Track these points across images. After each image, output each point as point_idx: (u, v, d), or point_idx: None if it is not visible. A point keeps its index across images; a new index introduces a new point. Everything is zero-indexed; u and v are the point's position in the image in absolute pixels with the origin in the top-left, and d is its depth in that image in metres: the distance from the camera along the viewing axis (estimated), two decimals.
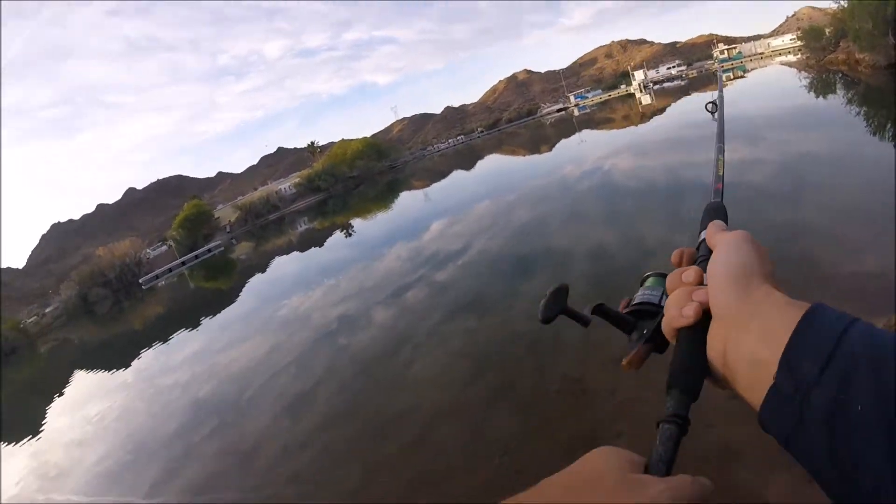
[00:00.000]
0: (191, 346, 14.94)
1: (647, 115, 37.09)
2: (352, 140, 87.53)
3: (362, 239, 22.31)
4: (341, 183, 71.44)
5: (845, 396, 0.40)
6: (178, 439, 8.26)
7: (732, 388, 0.53)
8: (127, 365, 16.32)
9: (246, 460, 6.63)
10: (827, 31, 32.22)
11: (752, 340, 0.49)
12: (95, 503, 7.56)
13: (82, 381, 18.86)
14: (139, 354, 16.76)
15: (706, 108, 1.13)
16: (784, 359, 0.45)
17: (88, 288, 55.63)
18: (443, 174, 43.37)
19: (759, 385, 0.47)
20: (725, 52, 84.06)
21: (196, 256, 54.48)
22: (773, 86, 31.38)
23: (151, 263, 60.26)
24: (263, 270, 24.59)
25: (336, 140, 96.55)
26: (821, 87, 23.27)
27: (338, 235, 26.41)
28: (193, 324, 17.65)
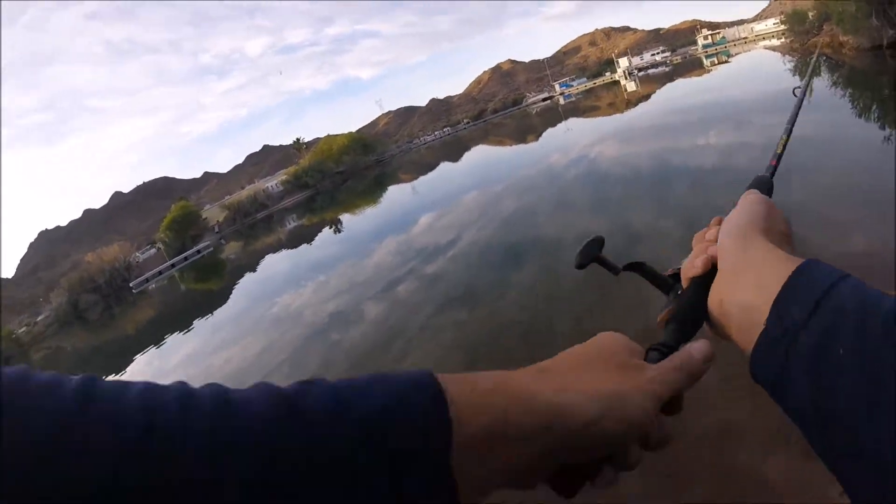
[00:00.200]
0: (184, 349, 14.91)
1: (632, 102, 37.20)
2: (338, 135, 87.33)
3: (352, 234, 22.28)
4: (329, 179, 71.22)
5: (829, 340, 0.41)
6: None
7: (727, 335, 0.55)
8: (121, 370, 16.26)
9: None
10: (810, 14, 32.27)
11: (746, 289, 0.52)
12: None
13: None
14: (133, 359, 16.68)
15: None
16: (775, 305, 0.47)
17: (78, 294, 55.21)
18: (430, 166, 43.33)
19: (751, 331, 0.48)
20: (709, 37, 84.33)
21: (185, 258, 54.20)
22: (757, 70, 31.47)
23: (141, 267, 59.90)
24: (254, 269, 24.53)
25: (322, 136, 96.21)
26: (805, 70, 23.33)
27: (327, 232, 26.37)
28: (186, 326, 17.59)
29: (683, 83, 39.42)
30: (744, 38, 73.82)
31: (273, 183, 78.02)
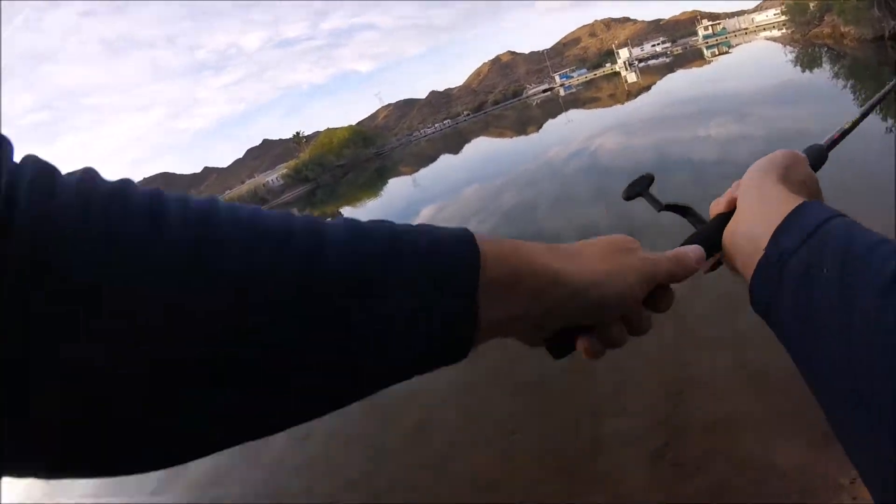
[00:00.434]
0: None
1: (633, 93, 37.17)
2: (337, 129, 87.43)
3: None
4: (329, 172, 71.33)
5: (815, 263, 0.45)
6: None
7: (735, 268, 0.59)
8: None
9: (252, 454, 6.65)
10: (811, 4, 32.20)
11: (753, 222, 0.57)
12: (102, 503, 7.59)
13: None
14: None
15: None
16: (774, 235, 0.51)
17: None
18: (431, 159, 43.36)
19: (753, 258, 0.52)
20: (710, 28, 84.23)
21: None
22: (758, 61, 31.42)
23: None
24: None
25: (322, 129, 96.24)
26: (806, 61, 23.29)
27: None
28: None
29: (684, 74, 39.38)
30: (744, 29, 73.73)
31: (273, 177, 78.06)
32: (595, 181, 12.22)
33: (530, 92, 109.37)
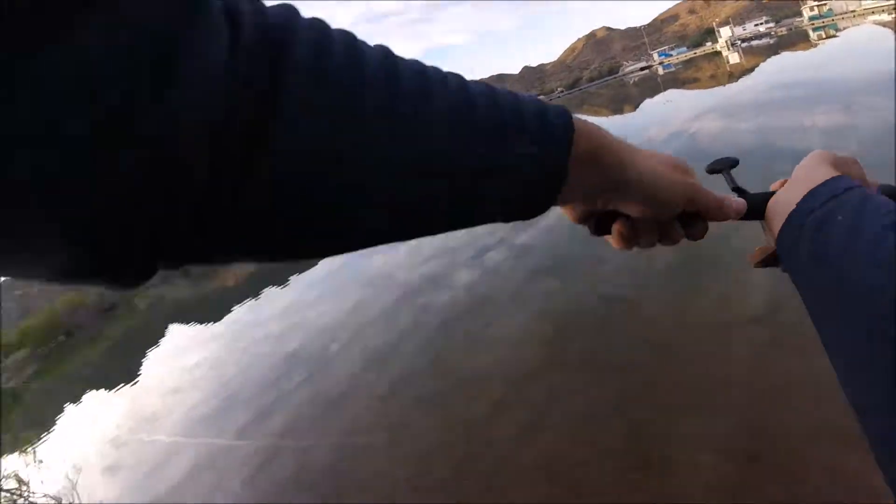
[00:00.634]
0: (280, 302, 15.46)
1: (734, 74, 35.81)
2: None
3: None
4: None
5: (832, 214, 0.52)
6: (266, 388, 8.76)
7: (772, 229, 0.65)
8: (220, 319, 17.01)
9: (331, 409, 6.95)
10: None
11: (793, 190, 0.62)
12: (188, 442, 8.06)
13: (178, 334, 19.73)
14: (231, 309, 17.41)
15: None
16: (806, 195, 0.58)
17: None
18: None
19: (785, 217, 0.60)
20: (815, 8, 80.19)
21: None
22: (867, 47, 29.89)
23: None
24: None
25: None
26: None
27: None
28: (282, 281, 18.13)
29: (789, 57, 37.73)
30: (852, 12, 69.78)
31: None
32: (693, 166, 11.92)
33: (627, 69, 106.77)
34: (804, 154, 0.67)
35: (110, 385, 16.03)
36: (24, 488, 5.86)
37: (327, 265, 17.50)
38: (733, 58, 55.77)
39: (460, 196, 0.46)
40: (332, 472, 5.58)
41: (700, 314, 5.38)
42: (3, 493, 5.68)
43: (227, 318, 16.72)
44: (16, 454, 6.44)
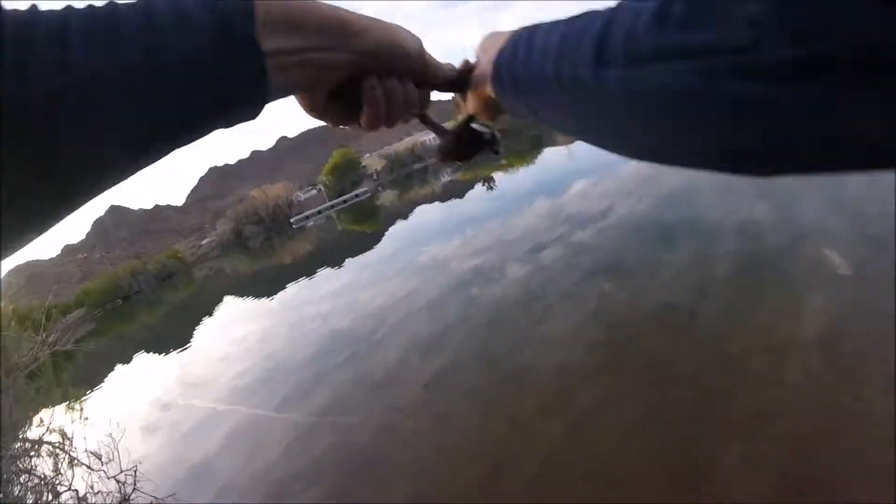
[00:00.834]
0: (333, 283, 15.70)
1: None
2: None
3: (503, 193, 22.29)
4: None
5: (528, 39, 0.59)
6: (312, 364, 8.89)
7: (480, 93, 0.75)
8: (273, 294, 17.40)
9: (374, 391, 7.01)
10: None
11: (484, 58, 0.71)
12: (229, 410, 8.24)
13: (231, 306, 20.32)
14: (285, 286, 17.81)
15: None
16: (499, 51, 0.64)
17: (243, 225, 59.50)
18: None
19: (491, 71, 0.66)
20: None
21: (344, 201, 56.71)
22: None
23: (302, 205, 63.52)
24: (406, 218, 25.13)
25: None
26: None
27: (479, 188, 26.49)
28: (338, 262, 18.40)
29: None
30: None
31: (432, 136, 77.68)
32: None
33: None
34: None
35: (161, 349, 16.60)
36: (66, 443, 6.01)
37: (381, 252, 17.66)
38: None
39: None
40: (369, 453, 5.62)
41: (757, 331, 5.17)
42: (46, 446, 5.83)
43: (281, 295, 17.11)
44: (63, 409, 6.62)
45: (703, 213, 9.37)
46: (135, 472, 6.13)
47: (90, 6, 0.43)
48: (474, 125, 0.80)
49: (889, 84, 0.26)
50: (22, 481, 5.47)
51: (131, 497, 5.96)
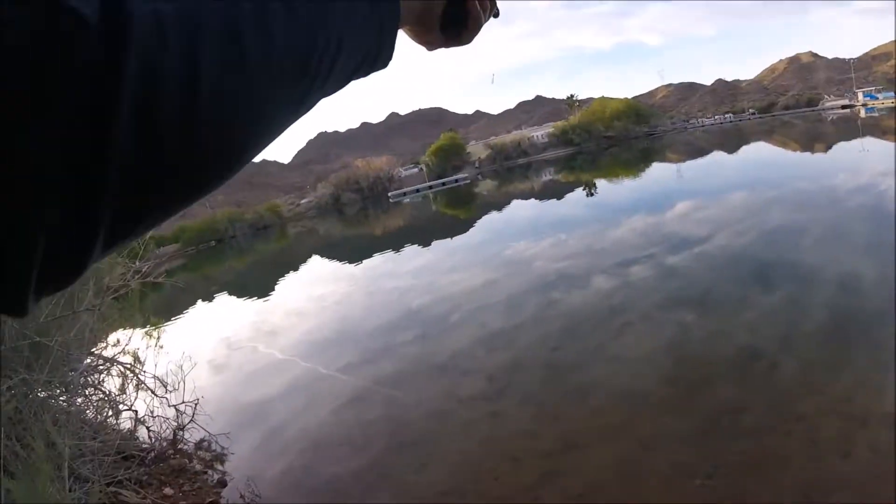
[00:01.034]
0: (418, 261, 15.93)
1: None
2: (612, 99, 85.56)
3: (602, 201, 22.04)
4: (595, 140, 70.70)
5: None
6: (381, 335, 9.07)
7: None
8: (358, 261, 17.77)
9: (434, 373, 7.06)
10: None
11: None
12: (294, 362, 8.47)
13: (317, 265, 20.98)
14: (371, 255, 18.16)
15: None
16: None
17: (342, 191, 61.12)
18: (702, 152, 41.55)
19: None
20: None
21: (443, 183, 57.47)
22: None
23: (401, 181, 64.66)
24: (500, 210, 25.16)
25: (596, 96, 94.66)
26: None
27: (579, 192, 26.27)
28: (426, 242, 18.63)
29: None
30: None
31: (539, 133, 78.69)
32: (873, 228, 10.77)
33: (827, 104, 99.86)
34: None
35: (243, 294, 17.21)
36: (137, 366, 6.21)
37: (470, 239, 17.71)
38: None
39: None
40: (417, 433, 5.66)
41: (835, 394, 4.88)
42: (118, 366, 6.03)
43: (366, 263, 17.52)
44: (140, 334, 6.89)
45: (806, 258, 8.91)
46: (195, 404, 6.31)
47: None
48: None
49: None
50: (87, 394, 5.68)
51: (187, 427, 6.15)
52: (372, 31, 0.51)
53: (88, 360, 5.90)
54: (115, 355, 6.19)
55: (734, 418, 4.79)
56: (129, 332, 6.82)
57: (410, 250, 18.07)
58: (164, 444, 5.95)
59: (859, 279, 7.32)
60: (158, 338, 7.43)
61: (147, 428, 6.04)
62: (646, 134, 77.24)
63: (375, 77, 0.59)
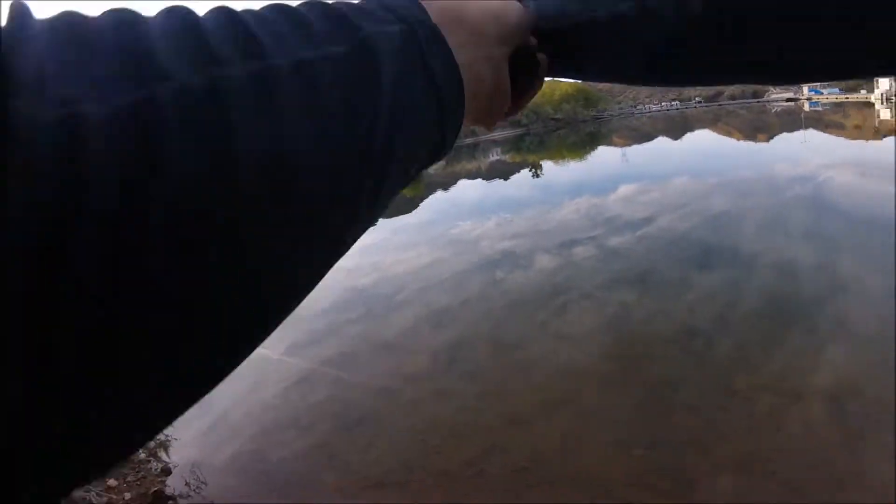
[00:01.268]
0: (363, 240, 15.26)
1: (881, 131, 33.97)
2: (561, 82, 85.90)
3: (548, 183, 22.24)
4: (542, 122, 71.09)
5: None
6: (326, 315, 8.90)
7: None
8: None
9: (380, 352, 7.06)
10: None
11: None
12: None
13: None
14: None
15: None
16: None
17: None
18: (648, 137, 42.23)
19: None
20: None
21: None
22: None
23: None
24: (447, 189, 25.17)
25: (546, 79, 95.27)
26: None
27: (525, 173, 26.46)
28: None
29: None
30: None
31: None
32: (814, 216, 11.13)
33: (773, 97, 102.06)
34: None
35: None
36: None
37: (416, 218, 17.72)
38: (885, 113, 52.76)
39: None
40: (364, 412, 5.66)
41: (769, 372, 5.10)
42: None
43: None
44: None
45: (746, 243, 9.20)
46: None
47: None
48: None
49: None
50: None
51: None
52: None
53: None
54: None
55: (673, 393, 4.96)
56: None
57: None
58: None
59: (796, 265, 7.60)
60: None
61: None
62: (593, 118, 78.16)
63: None
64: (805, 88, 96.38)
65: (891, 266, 6.84)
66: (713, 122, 53.48)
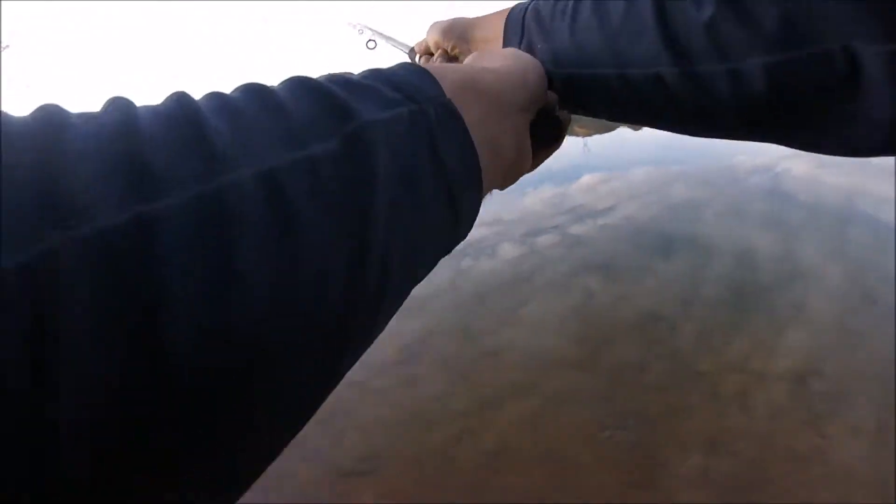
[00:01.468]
0: None
1: None
2: None
3: None
4: None
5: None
6: None
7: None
8: None
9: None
10: None
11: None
12: None
13: None
14: None
15: None
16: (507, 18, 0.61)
17: None
18: (609, 127, 42.12)
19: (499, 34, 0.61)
20: None
21: None
22: None
23: None
24: None
25: None
26: None
27: None
28: None
29: None
30: None
31: None
32: (769, 206, 11.24)
33: None
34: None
35: None
36: None
37: None
38: None
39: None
40: (331, 404, 5.34)
41: (732, 354, 5.20)
42: None
43: None
44: None
45: (705, 232, 9.26)
46: None
47: None
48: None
49: None
50: None
51: None
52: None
53: None
54: None
55: (639, 375, 5.03)
56: None
57: None
58: None
59: (755, 254, 7.71)
60: None
61: None
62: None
63: None
64: None
65: (846, 253, 7.01)
66: None
